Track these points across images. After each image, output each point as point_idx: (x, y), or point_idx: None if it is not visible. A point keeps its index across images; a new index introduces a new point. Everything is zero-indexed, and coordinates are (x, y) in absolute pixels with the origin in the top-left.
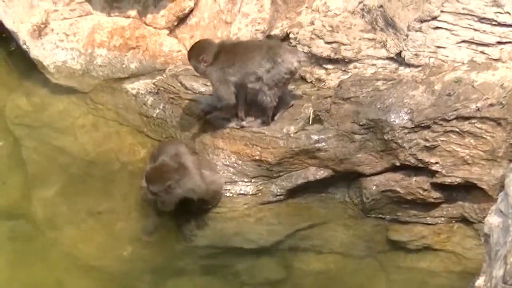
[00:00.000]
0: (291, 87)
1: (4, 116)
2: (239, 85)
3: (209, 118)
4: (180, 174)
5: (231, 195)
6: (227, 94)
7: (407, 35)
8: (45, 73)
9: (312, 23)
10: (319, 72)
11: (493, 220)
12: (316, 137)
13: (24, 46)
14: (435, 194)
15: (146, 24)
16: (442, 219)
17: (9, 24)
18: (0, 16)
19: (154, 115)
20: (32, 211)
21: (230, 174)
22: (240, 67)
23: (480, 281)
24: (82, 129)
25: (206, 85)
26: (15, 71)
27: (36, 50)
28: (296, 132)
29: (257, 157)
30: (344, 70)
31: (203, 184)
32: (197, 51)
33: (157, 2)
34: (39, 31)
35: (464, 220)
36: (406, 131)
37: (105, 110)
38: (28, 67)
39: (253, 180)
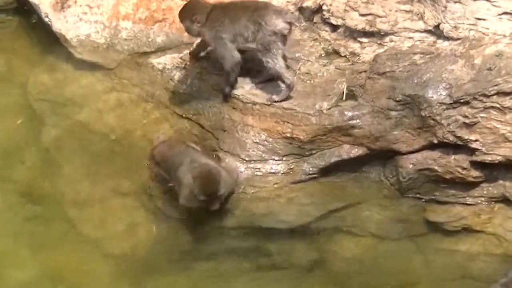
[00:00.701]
0: (324, 60)
1: (26, 92)
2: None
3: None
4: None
5: (261, 174)
6: (228, 51)
7: (445, 7)
8: (68, 47)
9: None
10: (354, 46)
11: None
12: (350, 114)
13: (46, 19)
14: (475, 173)
15: None
16: (482, 199)
17: None
18: None
19: (181, 90)
20: (53, 191)
21: (260, 152)
22: (229, 27)
23: None
24: (106, 106)
25: None
26: (37, 45)
27: (59, 23)
28: (329, 109)
29: (288, 135)
30: (380, 44)
31: (231, 178)
32: (190, 11)
33: None
34: (62, 3)
35: (505, 200)
36: (444, 107)
37: (130, 85)
38: (50, 40)
39: (284, 159)
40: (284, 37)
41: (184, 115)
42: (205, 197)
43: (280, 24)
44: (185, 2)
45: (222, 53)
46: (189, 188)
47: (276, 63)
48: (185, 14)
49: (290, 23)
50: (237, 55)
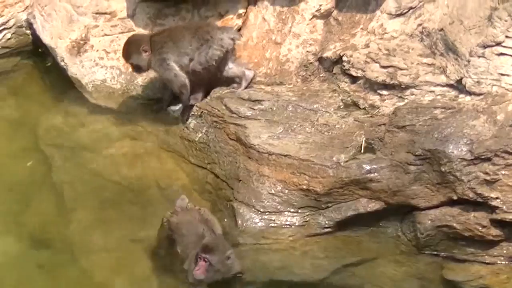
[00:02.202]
0: (342, 112)
1: (37, 136)
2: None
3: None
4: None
5: (276, 226)
6: (172, 73)
7: (468, 61)
8: (83, 92)
9: (367, 45)
10: (373, 98)
11: None
12: (368, 167)
13: (62, 63)
14: (495, 231)
15: None
16: (502, 258)
17: (46, 39)
18: (37, 30)
19: (196, 139)
20: (63, 238)
21: (276, 204)
22: (172, 48)
23: None
24: (120, 152)
25: (253, 108)
26: (51, 89)
27: (75, 67)
28: (346, 161)
29: (304, 187)
30: (400, 97)
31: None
32: (135, 44)
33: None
34: (78, 47)
35: None
36: (465, 163)
37: (145, 132)
38: (65, 84)
39: (299, 211)
40: (227, 55)
41: (198, 164)
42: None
43: (226, 39)
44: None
45: (167, 76)
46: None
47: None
48: (132, 49)
49: (233, 39)
50: (182, 76)
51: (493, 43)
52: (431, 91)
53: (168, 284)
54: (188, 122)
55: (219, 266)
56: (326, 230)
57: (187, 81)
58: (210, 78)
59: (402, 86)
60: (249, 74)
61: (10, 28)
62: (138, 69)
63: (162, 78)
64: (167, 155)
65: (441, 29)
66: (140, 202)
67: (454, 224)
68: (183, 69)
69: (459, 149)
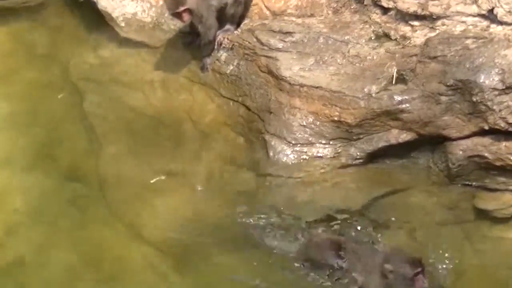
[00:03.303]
0: (374, 43)
1: (69, 71)
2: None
3: None
4: None
5: (307, 158)
6: (214, 21)
7: None
8: (114, 26)
9: None
10: (405, 29)
11: None
12: (399, 98)
13: None
14: None
15: None
16: None
17: None
18: None
19: (228, 71)
20: (95, 171)
21: (307, 136)
22: None
23: None
24: (151, 86)
25: (284, 40)
26: (82, 23)
27: (105, 1)
28: (378, 92)
29: (336, 118)
30: (431, 27)
31: None
32: None
33: None
34: None
35: None
36: (496, 92)
37: (176, 66)
38: (95, 19)
39: (331, 142)
40: None
41: (230, 97)
42: None
43: None
44: None
45: (210, 23)
46: None
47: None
48: None
49: None
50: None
51: None
52: (462, 22)
53: (194, 220)
54: (219, 55)
55: None
56: (358, 161)
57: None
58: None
59: (433, 17)
60: None
61: None
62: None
63: (204, 23)
64: (199, 88)
65: None
66: (172, 136)
67: (486, 154)
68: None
69: (491, 79)
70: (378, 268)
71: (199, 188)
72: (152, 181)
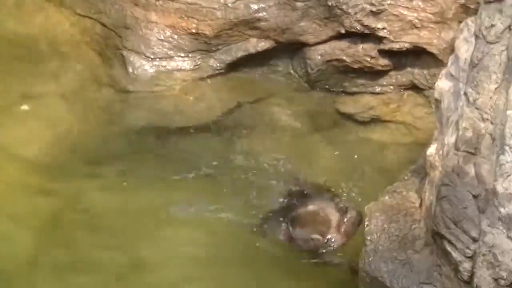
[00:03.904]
0: None
1: None
2: None
3: None
4: None
5: (167, 71)
6: None
7: None
8: None
9: None
10: None
11: (443, 84)
12: (255, 7)
13: None
14: (383, 61)
15: None
16: (391, 87)
17: None
18: None
19: None
20: None
21: (166, 50)
22: None
23: (431, 149)
24: (4, 7)
25: None
26: None
27: None
28: (234, 2)
29: (193, 30)
30: None
31: None
32: None
33: None
34: None
35: (414, 88)
36: None
37: None
38: None
39: (190, 55)
40: None
41: (85, 15)
42: None
43: None
44: None
45: None
46: None
47: None
48: None
49: None
50: None
51: None
52: None
53: (64, 137)
54: None
55: None
56: (218, 72)
57: None
58: None
59: None
60: None
61: None
62: None
63: None
64: (54, 9)
65: None
66: (28, 57)
67: (344, 57)
68: None
69: None
70: None
71: (62, 108)
72: (14, 108)
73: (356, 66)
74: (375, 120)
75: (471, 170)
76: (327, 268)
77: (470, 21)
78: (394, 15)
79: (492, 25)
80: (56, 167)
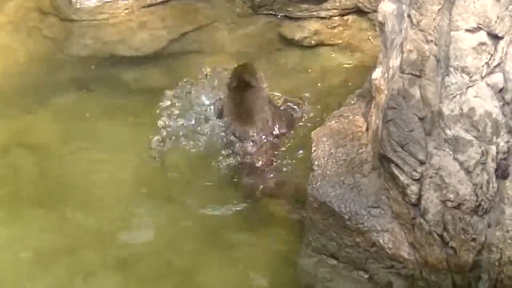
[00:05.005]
0: None
1: None
2: None
3: None
4: None
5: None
6: None
7: None
8: None
9: None
10: None
11: (387, 7)
12: None
13: None
14: None
15: None
16: (336, 11)
17: None
18: None
19: None
20: None
21: None
22: None
23: (377, 73)
24: None
25: None
26: None
27: None
28: None
29: None
30: None
31: None
32: None
33: None
34: None
35: (358, 11)
36: None
37: None
38: None
39: None
40: None
41: None
42: None
43: None
44: None
45: None
46: None
47: None
48: None
49: None
50: None
51: None
52: None
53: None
54: None
55: None
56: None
57: None
58: None
59: None
60: None
61: None
62: None
63: None
64: None
65: None
66: None
67: None
68: None
69: None
70: None
71: (5, 37)
72: None
73: None
74: (320, 45)
75: (417, 93)
76: None
77: None
78: None
79: None
80: (1, 96)
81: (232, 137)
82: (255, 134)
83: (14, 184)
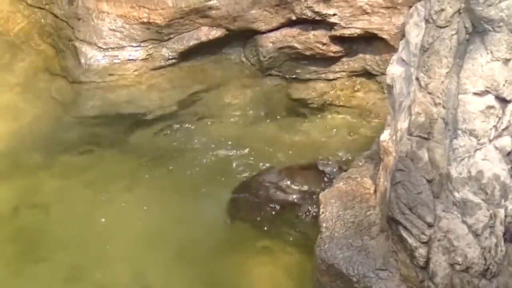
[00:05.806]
0: None
1: None
2: None
3: None
4: None
5: (120, 61)
6: None
7: None
8: None
9: None
10: None
11: (395, 70)
12: None
13: None
14: (335, 48)
15: None
16: (344, 73)
17: None
18: None
19: None
20: None
21: (118, 39)
22: None
23: (385, 135)
24: None
25: None
26: None
27: None
28: None
29: (145, 20)
30: None
31: None
32: None
33: None
34: None
35: (366, 74)
36: None
37: None
38: None
39: (142, 45)
40: None
41: (36, 5)
42: None
43: None
44: None
45: None
46: None
47: None
48: None
49: None
50: None
51: None
52: None
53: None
54: None
55: None
56: (170, 61)
57: None
58: None
59: None
60: None
61: None
62: None
63: None
64: (5, 0)
65: None
66: None
67: (295, 44)
68: None
69: None
70: None
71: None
72: None
73: (308, 53)
74: (328, 106)
75: (425, 155)
76: None
77: (420, 5)
78: (344, 1)
79: (442, 9)
80: (10, 156)
81: None
82: None
83: (22, 244)
